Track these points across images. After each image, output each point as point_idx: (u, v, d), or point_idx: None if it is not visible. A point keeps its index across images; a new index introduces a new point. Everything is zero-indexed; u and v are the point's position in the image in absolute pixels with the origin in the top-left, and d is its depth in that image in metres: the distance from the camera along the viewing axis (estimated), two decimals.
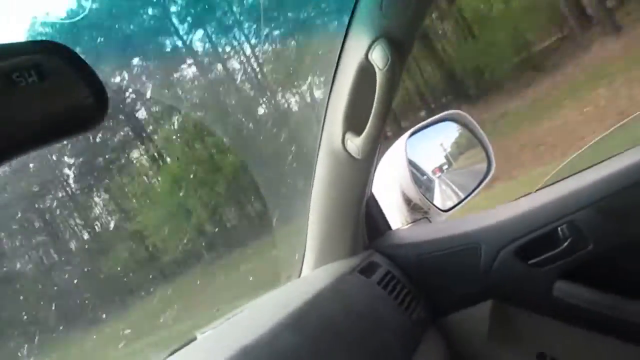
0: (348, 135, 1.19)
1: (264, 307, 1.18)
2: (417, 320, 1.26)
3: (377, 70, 1.03)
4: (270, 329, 0.95)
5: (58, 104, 0.38)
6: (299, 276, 1.45)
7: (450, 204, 1.55)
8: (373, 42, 1.02)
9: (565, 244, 1.17)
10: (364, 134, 1.15)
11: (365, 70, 1.07)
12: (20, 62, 0.35)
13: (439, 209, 1.51)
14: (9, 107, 0.35)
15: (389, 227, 1.50)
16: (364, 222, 1.40)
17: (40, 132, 0.38)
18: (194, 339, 1.16)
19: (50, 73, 0.37)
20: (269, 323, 0.97)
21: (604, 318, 1.17)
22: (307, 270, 1.43)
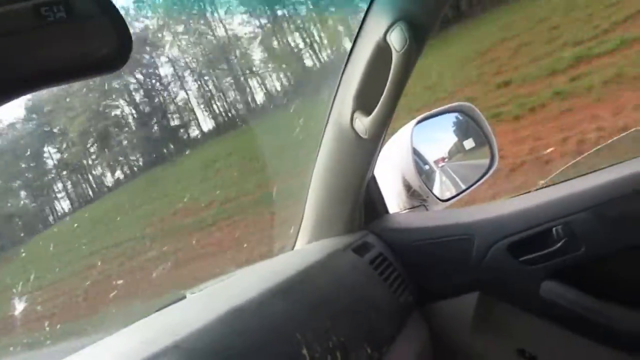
0: (357, 114, 1.19)
1: (255, 274, 1.19)
2: (404, 304, 1.28)
3: (393, 52, 1.03)
4: (260, 294, 0.96)
5: (82, 42, 0.37)
6: (293, 249, 1.46)
7: (449, 195, 1.56)
8: (393, 23, 1.02)
9: (558, 244, 1.18)
10: (373, 114, 1.15)
11: (382, 51, 1.06)
12: None
13: (437, 198, 1.51)
14: (36, 39, 0.35)
15: (386, 211, 1.51)
16: (362, 203, 1.41)
17: (62, 69, 0.37)
18: (183, 297, 1.16)
19: (78, 11, 0.36)
20: (259, 288, 0.98)
21: (585, 321, 1.19)
22: (301, 243, 1.44)
